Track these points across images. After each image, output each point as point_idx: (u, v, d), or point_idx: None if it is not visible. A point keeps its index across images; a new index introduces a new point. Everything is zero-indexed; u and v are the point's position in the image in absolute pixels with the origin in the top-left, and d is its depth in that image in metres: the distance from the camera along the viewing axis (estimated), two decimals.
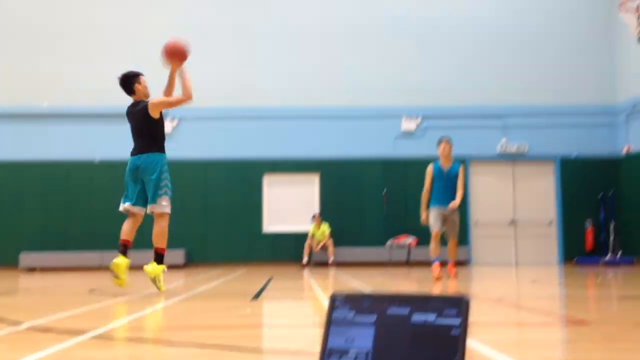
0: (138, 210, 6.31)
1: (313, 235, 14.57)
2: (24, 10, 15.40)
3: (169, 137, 14.86)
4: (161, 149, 6.31)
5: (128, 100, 6.59)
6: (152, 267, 6.13)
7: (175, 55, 6.10)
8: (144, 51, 15.41)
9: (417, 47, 15.48)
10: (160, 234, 6.20)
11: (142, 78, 6.43)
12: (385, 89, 15.34)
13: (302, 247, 14.47)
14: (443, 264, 8.61)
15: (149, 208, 6.25)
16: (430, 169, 8.63)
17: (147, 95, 6.43)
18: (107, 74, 15.29)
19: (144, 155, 6.20)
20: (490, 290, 6.84)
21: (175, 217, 14.88)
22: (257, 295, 5.94)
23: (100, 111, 14.82)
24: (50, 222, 14.67)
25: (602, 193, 14.98)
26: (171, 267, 14.29)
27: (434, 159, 8.95)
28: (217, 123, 15.29)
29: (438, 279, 8.10)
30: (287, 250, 14.80)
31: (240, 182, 15.04)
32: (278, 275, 9.96)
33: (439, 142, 8.73)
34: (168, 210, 6.24)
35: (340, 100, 15.31)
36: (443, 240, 8.68)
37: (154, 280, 6.15)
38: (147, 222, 6.59)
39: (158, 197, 6.18)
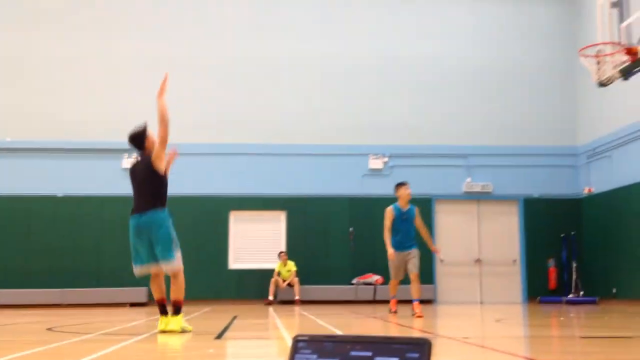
0: (155, 269, 6.06)
1: (279, 273, 14.47)
2: None
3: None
4: (164, 204, 6.14)
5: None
6: (174, 323, 5.88)
7: None
8: (106, 84, 15.37)
9: (385, 86, 15.70)
10: (179, 290, 6.01)
11: (150, 131, 6.29)
12: (352, 127, 15.48)
13: (268, 285, 14.35)
14: (406, 301, 9.17)
15: (163, 267, 6.00)
16: (391, 211, 9.10)
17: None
18: (71, 108, 15.22)
19: (149, 213, 6.01)
20: (455, 330, 6.84)
21: None
22: (221, 335, 5.84)
23: (64, 145, 14.62)
24: (11, 257, 14.31)
25: (564, 233, 15.22)
26: (133, 304, 14.04)
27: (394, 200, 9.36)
28: (184, 159, 15.11)
29: (394, 312, 9.13)
30: (253, 287, 14.65)
31: (206, 218, 14.91)
32: (243, 314, 9.83)
33: (400, 185, 9.25)
34: (181, 264, 6.04)
35: (308, 138, 15.39)
36: (403, 281, 9.43)
37: (182, 332, 5.90)
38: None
39: (169, 255, 5.94)
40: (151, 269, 6.04)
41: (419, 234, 9.28)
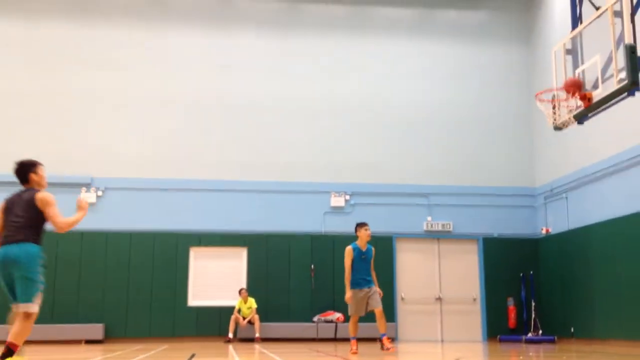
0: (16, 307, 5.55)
1: (239, 310, 14.29)
2: None
3: (93, 207, 14.57)
4: (38, 241, 5.69)
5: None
6: None
7: None
8: (57, 119, 15.19)
9: (346, 125, 15.86)
10: (25, 333, 5.46)
11: (41, 168, 5.96)
12: (314, 165, 15.56)
13: (228, 322, 14.15)
14: (367, 339, 9.08)
15: (22, 307, 5.46)
16: (350, 251, 9.30)
17: (42, 186, 5.94)
18: (23, 142, 14.97)
19: (21, 245, 5.56)
20: None
21: (94, 289, 14.47)
22: None
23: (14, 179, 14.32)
24: None
25: (523, 272, 15.41)
26: (89, 342, 13.67)
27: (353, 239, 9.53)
28: (144, 194, 15.05)
29: (355, 353, 8.75)
30: (212, 324, 14.43)
31: (165, 254, 14.71)
32: (202, 351, 9.65)
33: (361, 226, 9.50)
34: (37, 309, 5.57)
35: (270, 175, 15.41)
36: (363, 319, 9.31)
37: None
38: None
39: (33, 296, 5.48)
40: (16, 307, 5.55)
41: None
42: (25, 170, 5.88)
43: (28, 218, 5.65)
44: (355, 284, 9.22)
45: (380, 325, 9.11)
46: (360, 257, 9.29)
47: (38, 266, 5.56)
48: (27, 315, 5.44)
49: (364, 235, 9.41)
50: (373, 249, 9.52)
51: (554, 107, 9.60)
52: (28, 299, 5.43)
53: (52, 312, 14.02)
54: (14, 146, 14.33)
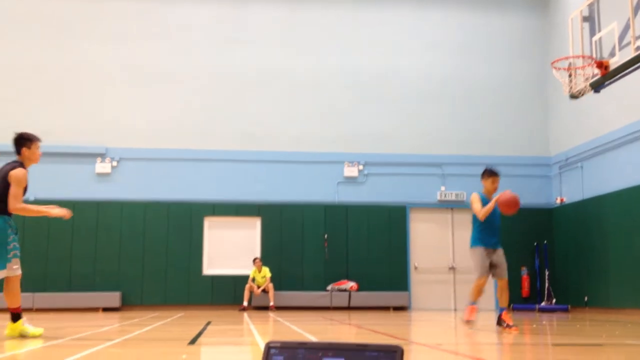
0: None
1: (253, 279, 14.43)
2: None
3: (108, 176, 14.69)
4: (3, 211, 5.93)
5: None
6: (11, 329, 5.79)
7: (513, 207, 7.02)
8: (75, 91, 15.23)
9: (360, 95, 15.78)
10: (12, 295, 5.84)
11: (36, 145, 6.18)
12: (328, 135, 15.53)
13: (242, 290, 14.30)
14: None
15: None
16: (478, 197, 7.96)
17: (31, 162, 6.16)
18: (39, 114, 15.04)
19: None
20: (428, 336, 6.87)
21: (110, 259, 14.65)
22: (194, 340, 5.81)
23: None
24: None
25: (537, 242, 15.39)
26: (106, 309, 13.89)
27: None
28: (159, 164, 15.13)
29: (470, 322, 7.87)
30: (227, 293, 14.59)
31: (180, 224, 14.83)
32: (217, 319, 9.78)
33: (490, 174, 8.06)
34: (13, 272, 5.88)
35: (284, 145, 15.41)
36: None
37: (24, 336, 5.76)
38: None
39: (4, 262, 5.78)
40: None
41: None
42: (20, 143, 6.13)
43: (0, 190, 5.90)
44: (480, 241, 8.03)
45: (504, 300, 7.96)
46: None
47: (6, 235, 5.84)
48: (7, 280, 5.83)
49: (492, 184, 7.97)
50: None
51: (570, 76, 9.48)
52: (0, 266, 5.74)
53: (70, 281, 14.25)
54: (30, 118, 14.41)
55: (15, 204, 5.94)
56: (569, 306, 14.16)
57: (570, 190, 15.03)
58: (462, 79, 16.05)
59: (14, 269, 5.86)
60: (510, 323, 7.72)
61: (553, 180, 15.79)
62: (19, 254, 5.92)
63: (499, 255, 8.03)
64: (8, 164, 6.11)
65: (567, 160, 15.11)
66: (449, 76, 16.03)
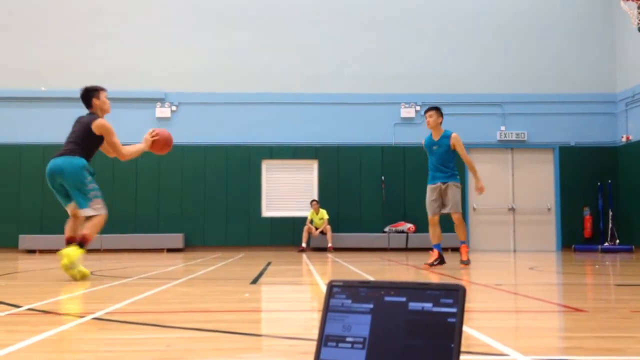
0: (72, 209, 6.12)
1: (311, 221, 14.61)
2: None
3: (168, 121, 14.95)
4: (84, 156, 6.05)
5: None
6: (67, 252, 5.72)
7: (166, 148, 6.72)
8: (134, 35, 15.38)
9: (417, 35, 15.43)
10: (93, 228, 5.94)
11: (103, 94, 6.36)
12: (384, 76, 15.32)
13: (301, 232, 14.52)
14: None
15: (81, 212, 6.00)
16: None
17: (104, 111, 6.34)
18: (101, 58, 15.29)
19: (65, 158, 5.98)
20: (488, 277, 6.87)
21: (173, 201, 15.05)
22: (256, 280, 5.96)
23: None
24: (49, 204, 14.63)
25: (600, 181, 15.01)
26: (170, 250, 14.37)
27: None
28: (217, 108, 15.28)
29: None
30: (286, 235, 14.85)
31: (239, 167, 15.06)
32: (276, 260, 9.99)
33: (425, 111, 8.64)
34: (99, 212, 6.00)
35: (340, 87, 15.30)
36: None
37: (71, 269, 5.69)
38: None
39: (87, 201, 5.94)
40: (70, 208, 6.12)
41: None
42: (90, 95, 6.30)
43: (80, 138, 6.08)
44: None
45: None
46: (430, 148, 8.31)
47: (84, 176, 5.95)
48: (89, 218, 5.97)
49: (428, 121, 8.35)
50: (452, 136, 8.43)
51: (639, 7, 9.02)
52: (83, 205, 5.94)
53: (135, 223, 14.74)
54: (91, 63, 14.70)
55: (123, 153, 6.23)
56: (633, 247, 13.85)
57: (636, 128, 14.49)
58: (525, 13, 15.48)
59: (97, 208, 6.02)
60: (464, 259, 7.91)
61: (619, 118, 15.24)
62: (99, 194, 6.10)
63: (446, 191, 8.20)
64: (85, 116, 6.27)
65: (634, 97, 14.52)
66: (511, 11, 15.48)
